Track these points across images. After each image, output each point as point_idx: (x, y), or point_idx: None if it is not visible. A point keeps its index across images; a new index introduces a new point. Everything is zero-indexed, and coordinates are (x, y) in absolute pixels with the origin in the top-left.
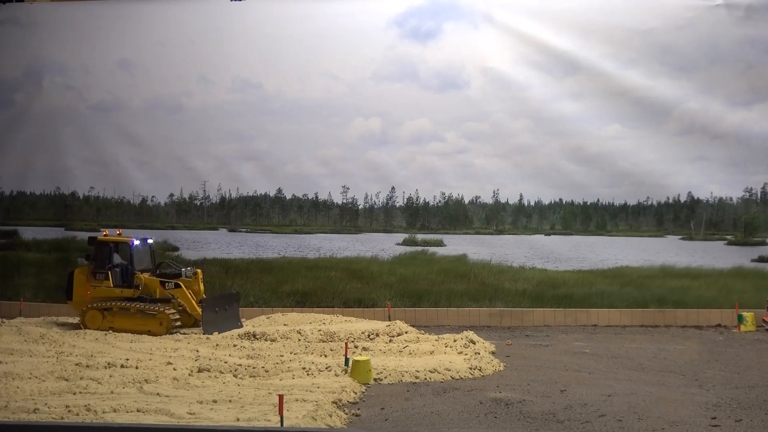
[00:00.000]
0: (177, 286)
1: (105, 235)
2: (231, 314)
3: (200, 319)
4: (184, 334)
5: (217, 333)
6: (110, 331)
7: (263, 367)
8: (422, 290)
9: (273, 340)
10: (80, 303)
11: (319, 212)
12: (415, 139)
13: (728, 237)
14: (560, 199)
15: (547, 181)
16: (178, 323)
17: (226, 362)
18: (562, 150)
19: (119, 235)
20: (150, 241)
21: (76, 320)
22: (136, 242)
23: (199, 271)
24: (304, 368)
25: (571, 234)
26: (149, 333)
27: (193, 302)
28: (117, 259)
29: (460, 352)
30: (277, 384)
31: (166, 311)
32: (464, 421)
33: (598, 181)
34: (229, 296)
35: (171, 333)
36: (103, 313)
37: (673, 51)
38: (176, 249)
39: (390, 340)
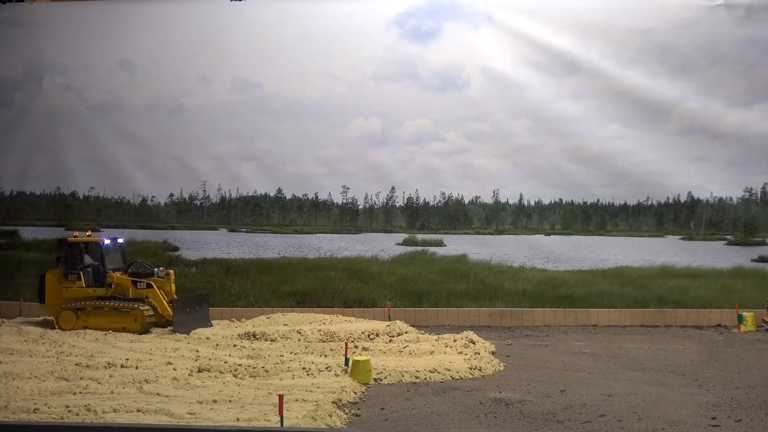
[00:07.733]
0: (149, 286)
1: (75, 236)
2: (201, 315)
3: (171, 319)
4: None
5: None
6: (85, 329)
7: (263, 367)
8: (422, 290)
9: (273, 340)
10: (54, 305)
11: (319, 212)
12: (415, 139)
13: (728, 237)
14: (560, 199)
15: (547, 181)
16: (152, 320)
17: (226, 362)
18: (562, 150)
19: (89, 235)
20: (120, 240)
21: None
22: (107, 242)
23: (171, 271)
24: (304, 368)
25: (571, 234)
26: (124, 330)
27: (165, 303)
28: (88, 259)
29: (460, 352)
30: (277, 384)
31: (140, 308)
32: (464, 421)
33: (598, 181)
34: (200, 297)
35: (145, 331)
36: (76, 313)
37: (673, 51)
38: (176, 249)
39: (390, 340)
